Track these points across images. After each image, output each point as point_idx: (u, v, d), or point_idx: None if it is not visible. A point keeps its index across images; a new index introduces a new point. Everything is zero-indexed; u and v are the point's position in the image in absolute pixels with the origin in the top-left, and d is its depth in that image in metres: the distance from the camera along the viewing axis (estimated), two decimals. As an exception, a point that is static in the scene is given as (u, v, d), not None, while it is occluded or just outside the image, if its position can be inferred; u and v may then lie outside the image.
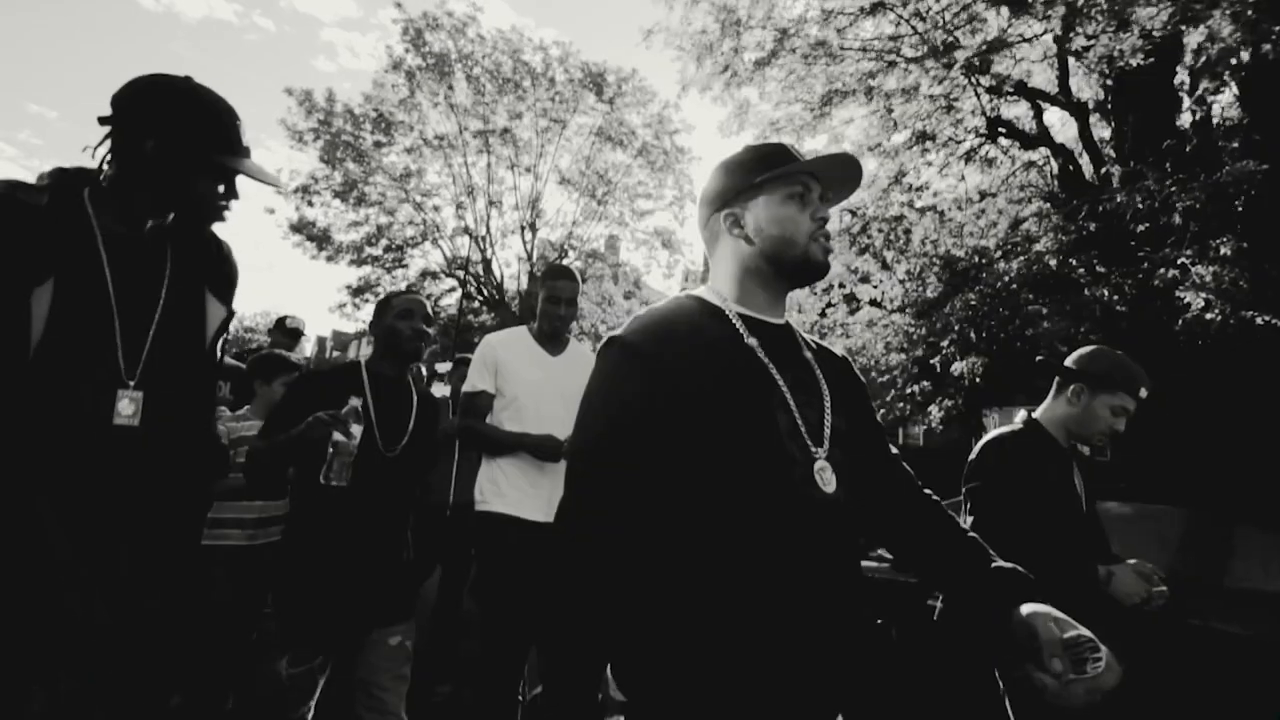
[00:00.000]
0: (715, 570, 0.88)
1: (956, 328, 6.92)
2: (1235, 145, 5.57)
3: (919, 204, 10.26)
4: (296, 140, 15.72)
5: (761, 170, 1.05)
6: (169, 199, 1.25)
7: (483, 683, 2.31)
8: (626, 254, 21.20)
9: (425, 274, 17.92)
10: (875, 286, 9.06)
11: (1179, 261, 4.89)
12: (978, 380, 6.82)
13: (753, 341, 1.01)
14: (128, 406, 1.16)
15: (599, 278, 19.92)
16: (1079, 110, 9.20)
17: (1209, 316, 4.49)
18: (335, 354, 46.95)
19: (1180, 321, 4.74)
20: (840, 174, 1.10)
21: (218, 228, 1.37)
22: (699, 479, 0.90)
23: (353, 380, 2.03)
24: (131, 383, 1.17)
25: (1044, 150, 9.69)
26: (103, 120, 1.21)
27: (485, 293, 18.72)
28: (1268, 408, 4.94)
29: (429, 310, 2.15)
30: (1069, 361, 2.12)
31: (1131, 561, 1.83)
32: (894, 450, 1.17)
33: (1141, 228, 5.51)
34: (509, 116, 16.65)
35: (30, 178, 1.24)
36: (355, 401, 1.84)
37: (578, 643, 0.91)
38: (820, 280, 1.11)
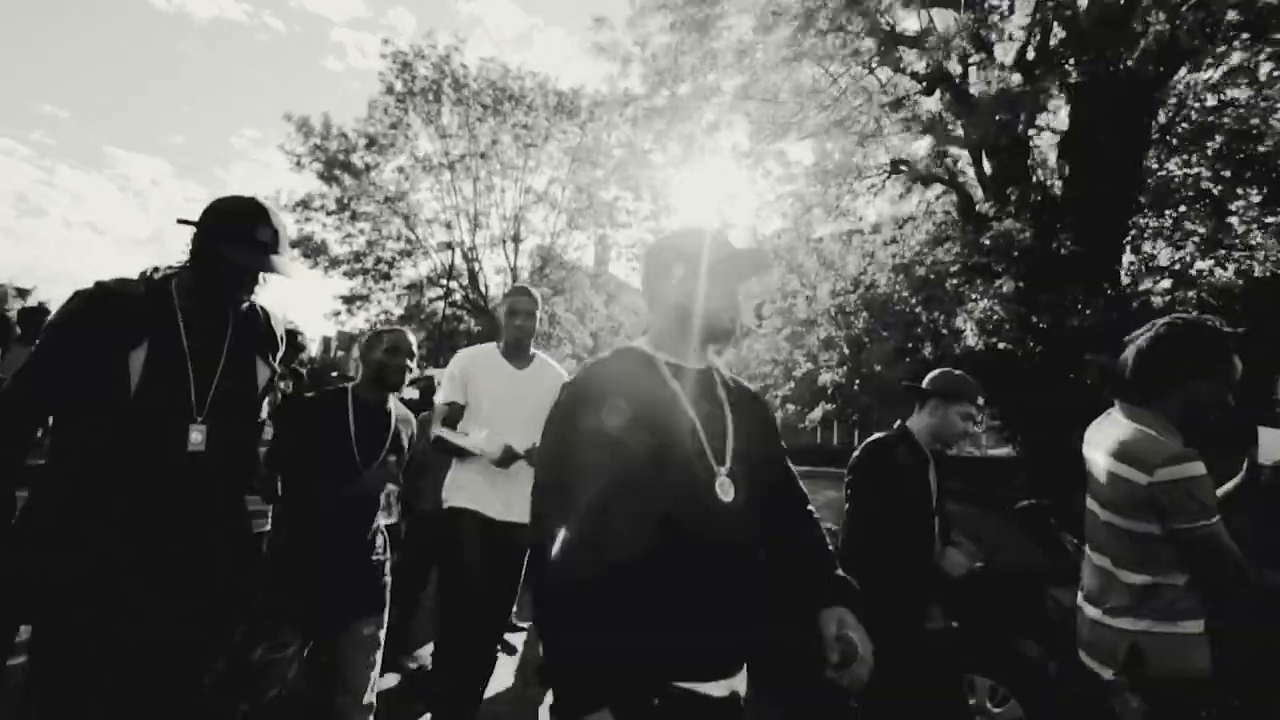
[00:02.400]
0: (639, 560, 1.10)
1: (840, 346, 8.20)
2: (1039, 199, 6.85)
3: (844, 229, 11.55)
4: (295, 165, 17.23)
5: (676, 252, 1.29)
6: (206, 287, 1.59)
7: (442, 666, 2.49)
8: (613, 261, 22.34)
9: (412, 285, 19.36)
10: (808, 301, 10.32)
11: (972, 296, 6.19)
12: (856, 387, 8.11)
13: (675, 385, 1.23)
14: (198, 436, 1.52)
15: (578, 287, 21.17)
16: (974, 149, 10.47)
17: (971, 343, 5.78)
18: (340, 353, 48.80)
19: (958, 347, 6.04)
20: (751, 264, 1.33)
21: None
22: (629, 494, 1.10)
23: (339, 405, 2.28)
24: (200, 418, 1.53)
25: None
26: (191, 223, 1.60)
27: (471, 300, 20.16)
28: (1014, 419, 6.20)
29: (411, 344, 2.37)
30: (925, 382, 2.54)
31: (959, 543, 2.32)
32: (792, 468, 1.40)
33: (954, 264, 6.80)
34: (490, 140, 18.06)
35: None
36: (392, 458, 2.25)
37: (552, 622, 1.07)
38: (728, 341, 1.36)
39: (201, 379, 1.55)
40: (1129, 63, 6.05)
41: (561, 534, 1.09)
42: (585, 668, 1.03)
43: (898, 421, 2.58)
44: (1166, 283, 5.70)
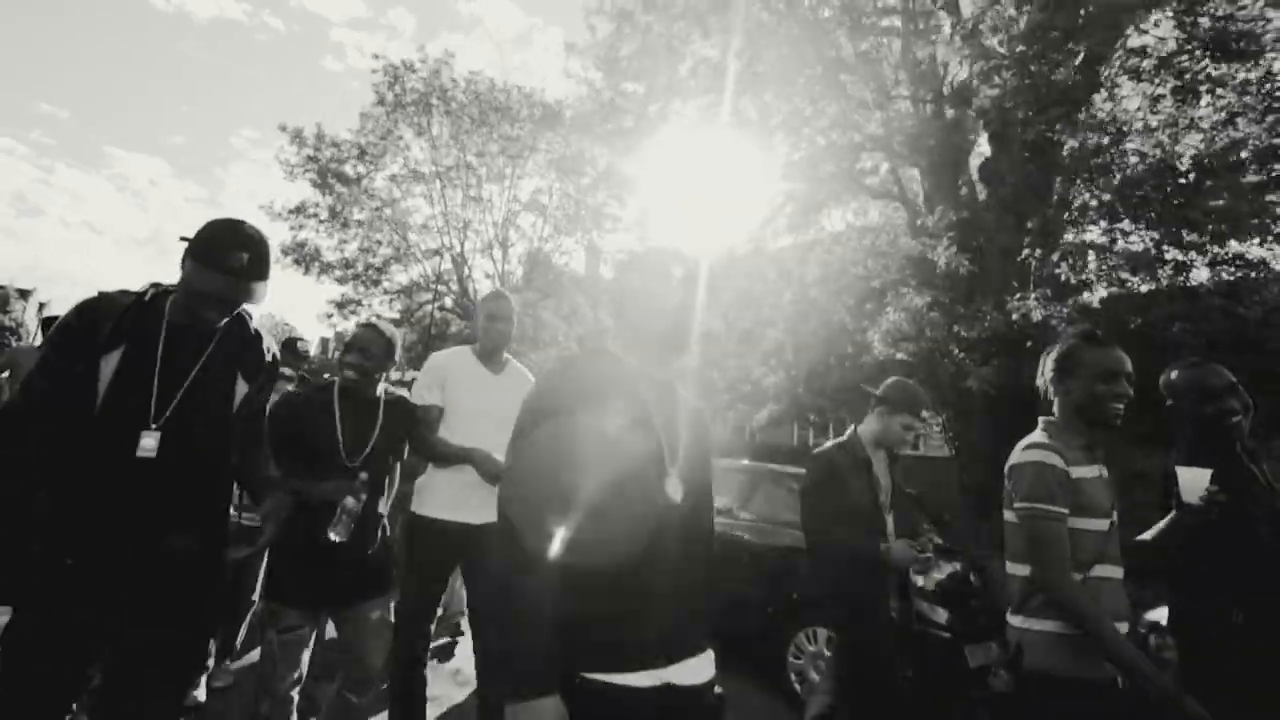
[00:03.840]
0: (599, 550, 1.19)
1: (785, 351, 8.89)
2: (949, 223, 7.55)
3: (808, 239, 12.23)
4: (289, 175, 17.97)
5: (650, 267, 1.39)
6: (184, 304, 1.63)
7: (399, 657, 2.49)
8: (601, 265, 23.03)
9: (400, 290, 20.07)
10: (756, 309, 11.00)
11: (885, 309, 6.90)
12: (800, 390, 8.80)
13: (641, 389, 1.33)
14: (149, 443, 1.52)
15: (566, 291, 21.82)
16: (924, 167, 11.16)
17: (875, 352, 6.47)
18: (336, 354, 49.59)
19: (865, 357, 6.75)
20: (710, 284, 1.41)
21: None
22: (595, 490, 1.21)
23: (325, 399, 2.33)
24: (155, 425, 1.54)
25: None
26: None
27: (461, 305, 20.87)
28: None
29: (374, 338, 2.36)
30: (878, 389, 2.66)
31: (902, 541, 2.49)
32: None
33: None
34: (477, 152, 18.77)
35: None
36: (364, 476, 2.18)
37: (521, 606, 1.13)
38: (686, 350, 1.45)
39: (167, 389, 1.59)
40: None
41: (528, 523, 1.17)
42: (541, 656, 1.11)
43: (850, 427, 2.76)
44: (1039, 297, 6.36)
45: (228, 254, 1.58)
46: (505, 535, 1.20)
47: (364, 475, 2.19)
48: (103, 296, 1.61)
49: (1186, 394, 2.20)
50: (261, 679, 2.18)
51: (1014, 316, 5.99)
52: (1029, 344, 5.88)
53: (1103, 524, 1.71)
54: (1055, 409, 1.84)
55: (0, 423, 1.53)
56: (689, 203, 12.14)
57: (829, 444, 2.66)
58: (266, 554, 3.29)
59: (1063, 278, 6.31)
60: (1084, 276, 6.35)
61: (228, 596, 3.29)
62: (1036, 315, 5.84)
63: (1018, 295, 6.11)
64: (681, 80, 11.37)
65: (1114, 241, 7.27)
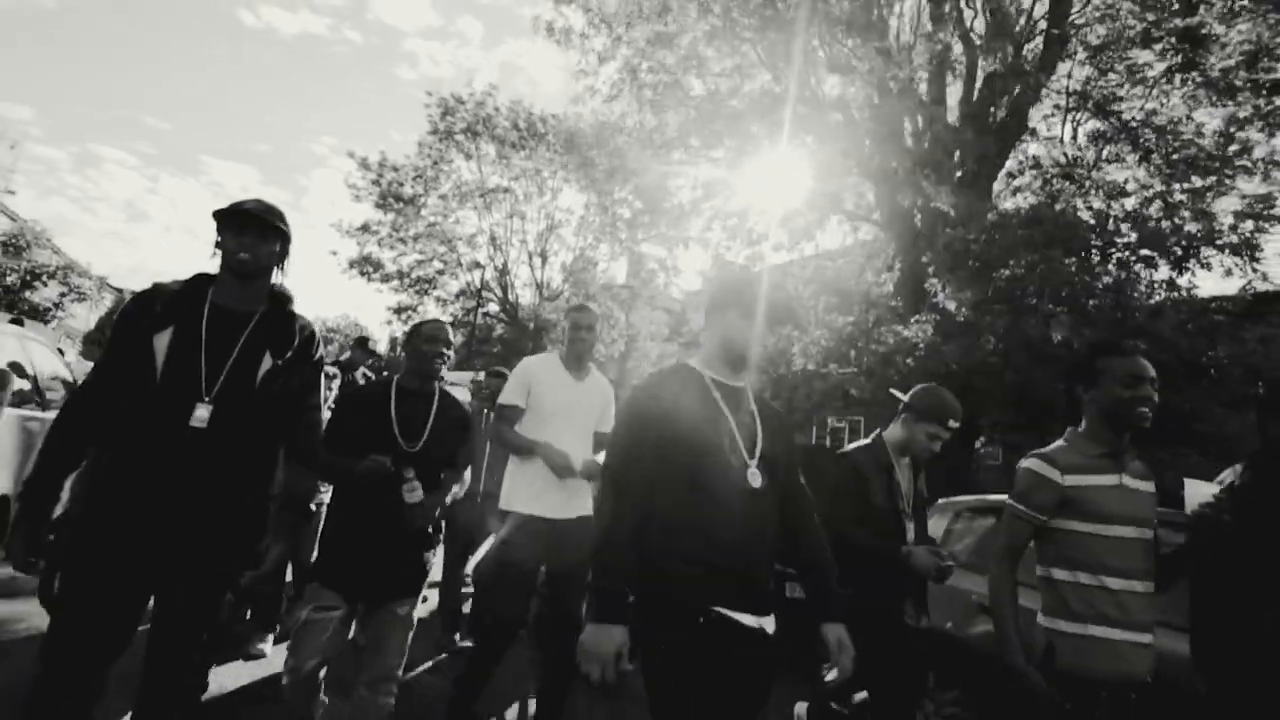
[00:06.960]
0: (685, 528, 1.47)
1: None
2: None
3: (803, 255, 13.42)
4: (354, 198, 20.65)
5: (731, 297, 1.67)
6: (224, 269, 1.81)
7: (487, 642, 2.66)
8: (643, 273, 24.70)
9: (444, 301, 22.50)
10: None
11: (813, 326, 8.22)
12: (766, 395, 10.16)
13: (717, 395, 1.60)
14: (202, 414, 1.68)
15: (600, 298, 23.52)
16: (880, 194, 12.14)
17: (799, 365, 7.79)
18: (401, 353, 53.24)
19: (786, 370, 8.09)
20: (785, 313, 1.72)
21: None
22: (680, 475, 1.48)
23: (383, 393, 2.44)
24: (207, 398, 1.70)
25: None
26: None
27: (506, 312, 23.03)
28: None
29: (448, 332, 2.52)
30: (906, 395, 2.65)
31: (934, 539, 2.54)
32: (801, 477, 1.73)
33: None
34: (519, 173, 20.86)
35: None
36: (410, 473, 2.27)
37: (605, 578, 1.43)
38: (750, 368, 1.65)
39: (214, 364, 1.72)
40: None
41: (626, 508, 1.46)
42: (622, 597, 1.42)
43: (876, 431, 2.76)
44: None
45: (240, 203, 1.82)
46: (599, 504, 1.50)
47: (409, 474, 2.26)
48: (155, 286, 1.81)
49: None
50: (289, 654, 2.27)
51: (890, 340, 7.21)
52: (908, 360, 7.00)
53: (1121, 530, 1.76)
54: (1083, 419, 1.92)
55: (77, 398, 1.71)
56: (700, 222, 13.54)
57: (852, 446, 2.73)
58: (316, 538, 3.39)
59: (941, 306, 7.43)
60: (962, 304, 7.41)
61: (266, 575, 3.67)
62: (915, 337, 7.00)
63: (914, 319, 7.30)
64: (688, 117, 12.79)
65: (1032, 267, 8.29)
